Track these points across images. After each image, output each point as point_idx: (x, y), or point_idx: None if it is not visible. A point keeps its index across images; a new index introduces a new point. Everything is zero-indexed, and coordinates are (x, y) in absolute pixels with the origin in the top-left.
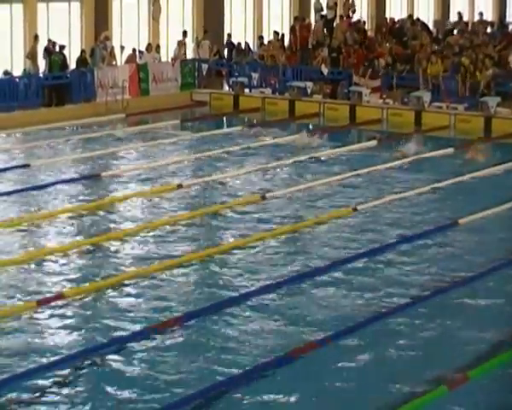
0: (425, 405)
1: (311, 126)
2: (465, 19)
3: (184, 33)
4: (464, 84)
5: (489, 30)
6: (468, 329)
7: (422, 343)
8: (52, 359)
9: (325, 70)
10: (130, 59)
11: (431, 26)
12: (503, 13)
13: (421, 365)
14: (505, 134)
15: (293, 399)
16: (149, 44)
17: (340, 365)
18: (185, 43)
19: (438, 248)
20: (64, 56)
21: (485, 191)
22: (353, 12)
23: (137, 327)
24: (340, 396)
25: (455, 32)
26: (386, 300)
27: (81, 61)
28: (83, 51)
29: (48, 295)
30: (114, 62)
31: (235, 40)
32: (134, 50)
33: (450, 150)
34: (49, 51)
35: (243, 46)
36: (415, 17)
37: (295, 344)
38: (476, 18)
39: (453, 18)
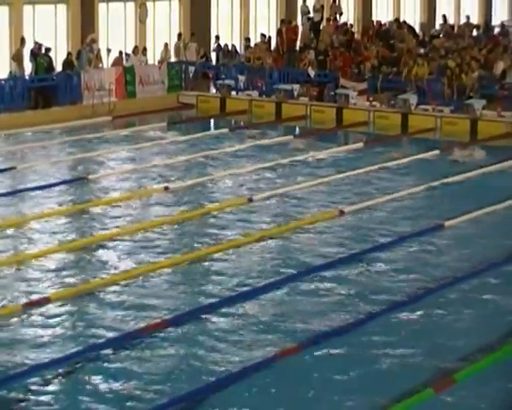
0: (411, 408)
1: (297, 129)
2: (451, 22)
3: (179, 36)
4: (450, 86)
5: (475, 33)
6: (453, 332)
7: (407, 346)
8: (35, 363)
9: (312, 73)
10: (117, 61)
11: (417, 28)
12: (489, 16)
13: (406, 368)
14: (491, 136)
15: (274, 403)
16: (136, 47)
17: (324, 368)
18: (179, 46)
19: (423, 250)
20: (50, 59)
21: (471, 194)
22: (340, 14)
23: (121, 331)
24: (324, 400)
25: (441, 35)
26: (372, 302)
27: (67, 63)
28: (69, 54)
29: (33, 298)
30: (101, 65)
31: (221, 43)
32: (120, 53)
33: (436, 152)
34: (35, 54)
35: (230, 48)
36: (401, 20)
37: (278, 348)
38: (462, 21)
39: (439, 21)
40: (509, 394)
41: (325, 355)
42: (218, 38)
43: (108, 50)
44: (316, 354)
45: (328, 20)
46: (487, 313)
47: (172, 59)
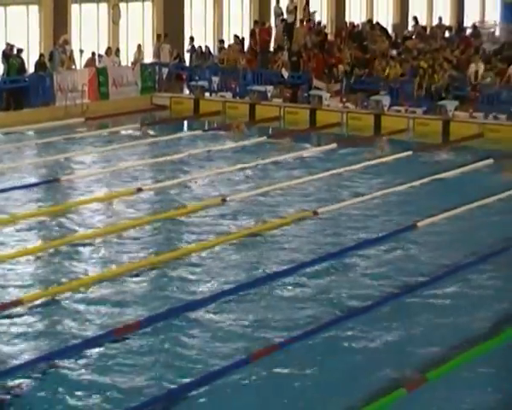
0: (384, 407)
1: (270, 130)
2: (423, 23)
3: (158, 37)
4: (422, 87)
5: (447, 34)
6: (425, 331)
7: (381, 345)
8: (8, 366)
9: (285, 74)
10: (89, 63)
11: (390, 30)
12: (461, 17)
13: (380, 367)
14: (463, 137)
15: (253, 401)
16: (109, 48)
17: (299, 367)
18: (159, 48)
19: (396, 250)
20: (22, 60)
21: (443, 194)
22: (307, 20)
23: (96, 332)
24: (299, 398)
25: (413, 36)
26: (346, 302)
27: (40, 64)
28: (41, 55)
29: (5, 300)
30: (73, 66)
31: (195, 44)
32: (93, 54)
33: (408, 153)
34: (6, 55)
35: (203, 50)
36: (374, 21)
37: (256, 347)
38: (434, 22)
39: (411, 22)
40: (481, 392)
41: (298, 356)
42: (192, 39)
43: (81, 51)
44: (290, 354)
45: (302, 21)
46: (459, 313)
47: (151, 60)
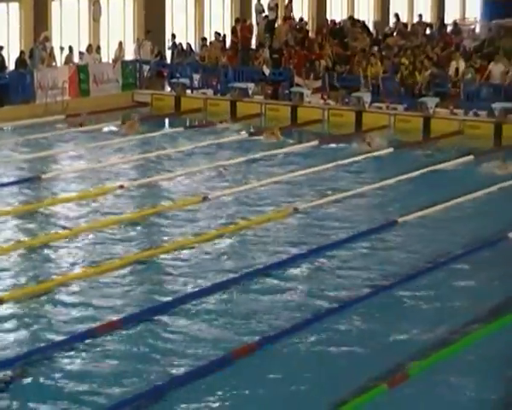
0: (365, 403)
1: (251, 128)
2: (404, 20)
3: (147, 33)
4: (403, 84)
5: (428, 31)
6: (406, 326)
7: (362, 342)
8: None
9: (267, 71)
10: (68, 59)
11: (371, 27)
12: (442, 15)
13: (361, 363)
14: (443, 134)
15: (232, 400)
16: (90, 45)
17: (279, 365)
18: (140, 45)
19: (376, 247)
20: (2, 57)
21: (424, 191)
22: (288, 18)
23: (77, 329)
24: (279, 397)
25: (394, 33)
26: (327, 299)
27: (20, 62)
28: (22, 52)
29: None
30: (54, 63)
31: (176, 41)
32: (70, 50)
33: (389, 150)
34: None
35: (184, 47)
36: (355, 18)
37: (236, 346)
38: (415, 19)
39: (393, 19)
40: (461, 388)
41: (279, 354)
42: (174, 36)
43: (61, 49)
44: (269, 352)
45: (284, 18)
46: (440, 309)
47: (132, 57)
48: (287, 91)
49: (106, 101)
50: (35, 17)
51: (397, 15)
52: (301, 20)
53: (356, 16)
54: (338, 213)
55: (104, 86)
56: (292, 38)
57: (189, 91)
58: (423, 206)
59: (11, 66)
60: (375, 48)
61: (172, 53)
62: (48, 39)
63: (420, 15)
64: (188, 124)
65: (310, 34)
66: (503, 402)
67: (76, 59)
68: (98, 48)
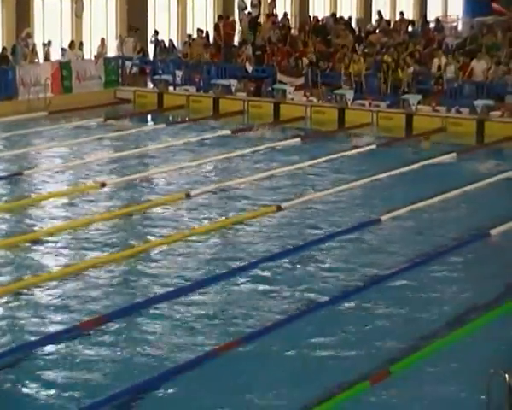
0: (347, 400)
1: (235, 124)
2: (387, 17)
3: (129, 30)
4: (386, 82)
5: (410, 29)
6: (389, 324)
7: (344, 339)
8: None
9: (249, 68)
10: (47, 54)
11: (353, 24)
12: (424, 12)
13: (343, 360)
14: (426, 131)
15: (218, 396)
16: (72, 42)
17: (264, 361)
18: (122, 41)
19: (359, 245)
20: None
21: (405, 188)
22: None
23: (60, 327)
24: (264, 393)
25: (377, 30)
26: (310, 296)
27: (2, 58)
28: (4, 49)
29: None
30: (36, 60)
31: (159, 38)
32: (49, 44)
33: (372, 147)
34: None
35: (167, 44)
36: (338, 15)
37: (219, 342)
38: (398, 17)
39: (375, 17)
40: (443, 386)
41: (262, 349)
42: (156, 32)
43: (44, 45)
44: (253, 348)
45: (267, 15)
46: (422, 306)
47: (114, 54)
48: (269, 88)
49: (88, 98)
50: (17, 13)
51: (379, 13)
52: (285, 15)
53: (338, 14)
54: (321, 211)
55: (87, 83)
56: (275, 35)
57: (171, 88)
58: (406, 203)
59: None
60: (358, 45)
61: (155, 49)
62: (30, 36)
63: (401, 13)
64: (170, 120)
65: (293, 31)
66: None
67: (55, 53)
68: (81, 44)
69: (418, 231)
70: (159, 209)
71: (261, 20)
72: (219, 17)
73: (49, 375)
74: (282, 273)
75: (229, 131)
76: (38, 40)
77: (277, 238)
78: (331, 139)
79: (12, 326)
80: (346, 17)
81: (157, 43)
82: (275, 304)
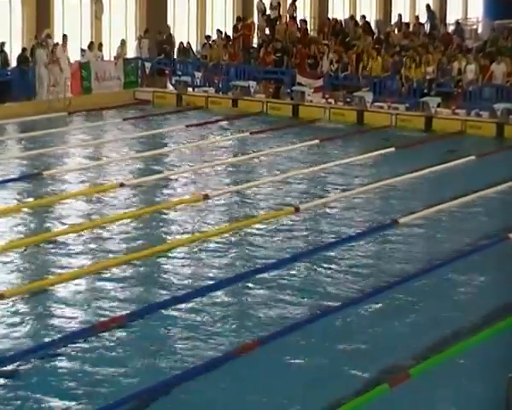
0: (367, 403)
1: (254, 126)
2: (407, 20)
3: (145, 31)
4: (405, 84)
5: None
6: (409, 327)
7: (365, 341)
8: None
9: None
10: (63, 49)
11: (373, 26)
12: (444, 14)
13: (363, 363)
14: (444, 134)
15: (235, 398)
16: (91, 43)
17: (282, 364)
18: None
19: (377, 247)
20: (5, 54)
21: (425, 191)
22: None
23: (79, 327)
24: (282, 395)
25: (396, 32)
26: (328, 299)
27: (22, 58)
28: (24, 49)
29: None
30: (55, 59)
31: (178, 39)
32: (64, 40)
33: (391, 150)
34: None
35: (185, 45)
36: (357, 17)
37: (237, 343)
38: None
39: (395, 18)
40: (463, 388)
41: (279, 354)
42: (171, 35)
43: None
44: (270, 350)
45: (287, 17)
46: (442, 309)
47: (134, 55)
48: (288, 90)
49: (108, 98)
50: (37, 14)
51: (399, 15)
52: (303, 19)
53: (358, 15)
54: (339, 213)
55: (106, 84)
56: (294, 37)
57: (190, 89)
58: (425, 206)
59: (13, 62)
60: (377, 47)
61: (163, 50)
62: (50, 36)
63: (416, 17)
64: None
65: (312, 33)
66: (503, 403)
67: (70, 51)
68: (100, 45)
69: (436, 234)
70: (176, 210)
71: (280, 22)
72: (238, 19)
73: (72, 372)
74: (299, 275)
75: (248, 133)
76: (58, 41)
77: (295, 240)
78: (349, 141)
79: (30, 325)
80: (365, 19)
81: (170, 45)
82: (293, 306)
